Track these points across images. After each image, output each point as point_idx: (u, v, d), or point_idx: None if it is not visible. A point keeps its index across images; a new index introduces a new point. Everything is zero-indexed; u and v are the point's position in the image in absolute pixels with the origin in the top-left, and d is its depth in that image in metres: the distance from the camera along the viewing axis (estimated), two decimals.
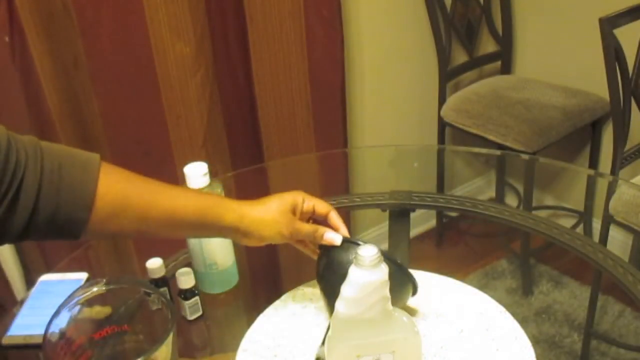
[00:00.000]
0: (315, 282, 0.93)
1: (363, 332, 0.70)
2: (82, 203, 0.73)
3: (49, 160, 0.72)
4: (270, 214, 0.84)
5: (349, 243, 0.85)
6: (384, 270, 0.69)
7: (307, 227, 0.86)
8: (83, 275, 1.04)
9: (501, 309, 0.93)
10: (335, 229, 0.88)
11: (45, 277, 1.05)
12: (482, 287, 0.97)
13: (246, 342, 0.90)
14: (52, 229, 0.72)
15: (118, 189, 0.76)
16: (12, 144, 0.70)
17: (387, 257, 0.71)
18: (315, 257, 0.90)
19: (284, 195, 0.86)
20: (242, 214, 0.83)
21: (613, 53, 1.54)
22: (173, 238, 1.05)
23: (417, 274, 0.89)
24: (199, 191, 0.94)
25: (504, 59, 2.24)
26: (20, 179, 0.69)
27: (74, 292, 0.76)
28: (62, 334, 0.76)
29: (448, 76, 2.12)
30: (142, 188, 0.79)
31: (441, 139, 2.16)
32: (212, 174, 0.99)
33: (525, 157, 1.87)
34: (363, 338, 0.69)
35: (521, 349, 0.86)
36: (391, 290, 0.69)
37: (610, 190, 1.57)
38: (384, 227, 1.20)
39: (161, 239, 0.93)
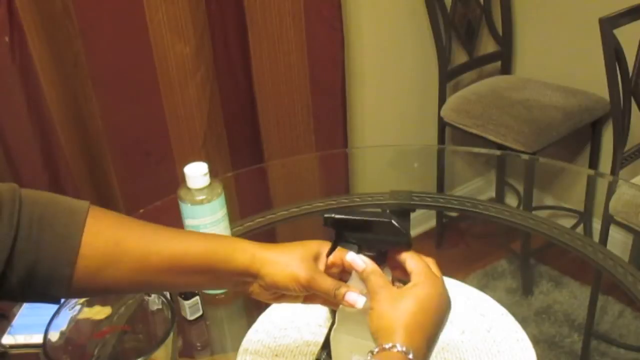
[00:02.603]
0: None
1: (367, 327, 0.69)
2: (65, 257, 0.63)
3: (28, 211, 0.62)
4: (287, 256, 0.71)
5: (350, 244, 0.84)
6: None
7: (329, 282, 0.70)
8: None
9: (502, 310, 0.93)
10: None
11: None
12: (482, 287, 0.97)
13: (247, 342, 0.90)
14: (28, 290, 0.63)
15: (108, 235, 0.66)
16: None
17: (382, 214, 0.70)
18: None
19: (306, 242, 0.73)
20: (254, 253, 0.71)
21: (613, 53, 1.54)
22: (173, 290, 0.92)
23: None
24: (204, 233, 0.82)
25: (504, 59, 2.24)
26: None
27: None
28: (62, 334, 0.76)
29: (448, 76, 2.12)
30: (137, 232, 0.68)
31: (441, 139, 2.16)
32: (212, 174, 0.99)
33: (525, 157, 1.87)
34: (367, 336, 0.69)
35: (522, 351, 0.86)
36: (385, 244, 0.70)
37: (610, 190, 1.57)
38: None
39: (157, 291, 0.85)
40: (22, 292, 0.63)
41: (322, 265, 0.72)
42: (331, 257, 0.72)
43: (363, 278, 0.69)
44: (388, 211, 0.71)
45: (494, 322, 0.91)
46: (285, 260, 0.70)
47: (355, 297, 0.69)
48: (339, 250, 0.72)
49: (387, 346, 0.62)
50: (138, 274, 0.67)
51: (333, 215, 0.70)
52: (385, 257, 0.70)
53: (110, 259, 0.65)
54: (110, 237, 0.66)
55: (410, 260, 0.69)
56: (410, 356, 0.61)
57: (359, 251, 0.71)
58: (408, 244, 0.70)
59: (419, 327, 0.65)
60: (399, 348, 0.62)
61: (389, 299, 0.66)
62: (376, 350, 0.62)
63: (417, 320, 0.65)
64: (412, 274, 0.68)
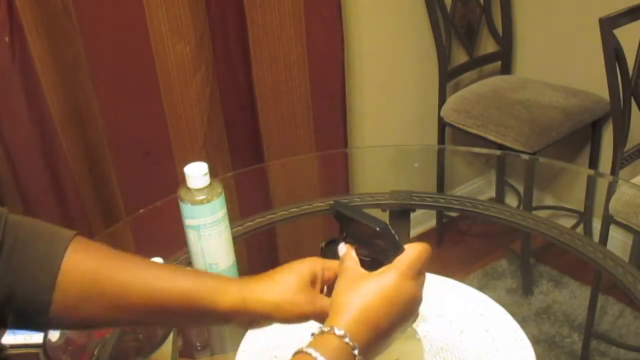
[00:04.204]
0: None
1: None
2: (44, 283, 0.61)
3: (12, 234, 0.61)
4: (285, 295, 0.66)
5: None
6: None
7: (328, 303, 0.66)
8: None
9: (501, 309, 0.93)
10: None
11: None
12: (482, 287, 0.97)
13: (246, 343, 0.90)
14: (10, 314, 0.62)
15: (86, 267, 0.63)
16: None
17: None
18: None
19: (297, 266, 0.69)
20: (244, 297, 0.66)
21: (613, 53, 1.54)
22: (154, 326, 0.87)
23: None
24: (192, 271, 0.75)
25: (504, 59, 2.24)
26: None
27: None
28: (62, 334, 0.76)
29: (448, 76, 2.12)
30: (116, 267, 0.65)
31: (441, 139, 2.16)
32: (212, 174, 0.99)
33: (525, 157, 1.87)
34: None
35: (521, 350, 0.86)
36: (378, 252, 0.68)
37: (610, 190, 1.57)
38: None
39: (138, 327, 0.84)
40: (3, 317, 0.61)
41: (318, 285, 0.69)
42: (325, 276, 0.70)
43: (339, 262, 0.68)
44: (388, 222, 0.70)
45: (493, 321, 0.91)
46: (286, 299, 0.66)
47: None
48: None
49: (325, 329, 0.59)
50: (115, 311, 0.65)
51: (337, 207, 0.70)
52: (379, 266, 0.67)
53: (88, 293, 0.63)
54: (88, 270, 0.64)
55: (410, 247, 0.66)
56: (347, 340, 0.58)
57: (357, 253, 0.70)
58: (395, 257, 0.66)
59: (367, 313, 0.60)
60: (336, 332, 0.58)
61: (350, 279, 0.64)
62: (316, 332, 0.60)
63: (367, 307, 0.61)
64: (397, 258, 0.65)
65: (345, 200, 1.27)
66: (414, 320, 0.67)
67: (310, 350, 0.57)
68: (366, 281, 0.63)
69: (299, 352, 0.58)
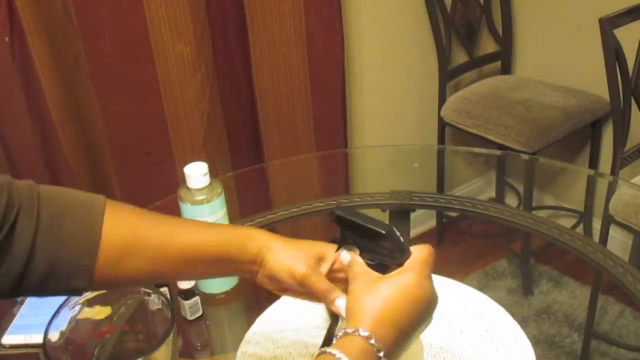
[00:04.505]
0: None
1: None
2: (87, 249, 0.64)
3: (47, 206, 0.63)
4: (291, 250, 0.70)
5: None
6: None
7: (324, 284, 0.69)
8: None
9: (501, 309, 0.93)
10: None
11: None
12: (482, 287, 0.97)
13: (245, 343, 0.90)
14: (50, 283, 0.63)
15: (128, 226, 0.67)
16: (1, 185, 0.61)
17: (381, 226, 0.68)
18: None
19: (318, 242, 0.73)
20: (263, 242, 0.71)
21: (613, 53, 1.54)
22: (189, 278, 0.95)
23: None
24: (220, 224, 0.81)
25: (504, 59, 2.24)
26: (11, 224, 0.60)
27: None
28: (62, 334, 0.76)
29: (448, 76, 2.12)
30: (154, 223, 0.70)
31: (441, 139, 2.16)
32: (212, 174, 0.99)
33: (525, 157, 1.87)
34: None
35: (521, 349, 0.86)
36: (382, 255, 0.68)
37: (610, 190, 1.57)
38: None
39: (174, 281, 0.88)
40: (45, 285, 0.63)
41: (325, 267, 0.71)
42: (337, 262, 0.71)
43: (347, 270, 0.68)
44: (391, 224, 0.69)
45: (493, 321, 0.91)
46: (288, 253, 0.70)
47: (342, 304, 0.67)
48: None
49: (349, 331, 0.59)
50: (156, 264, 0.68)
51: (338, 212, 0.69)
52: (386, 269, 0.67)
53: (130, 250, 0.66)
54: (128, 228, 0.67)
55: (416, 250, 0.67)
56: (373, 341, 0.58)
57: (361, 256, 0.69)
58: (402, 259, 0.67)
59: (391, 314, 0.61)
60: (361, 333, 0.58)
61: (366, 282, 0.64)
62: (340, 334, 0.59)
63: (389, 307, 0.61)
64: (407, 261, 0.66)
65: (345, 204, 1.27)
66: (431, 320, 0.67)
67: (335, 351, 0.57)
68: (383, 283, 0.63)
69: (322, 353, 0.58)
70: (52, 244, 0.62)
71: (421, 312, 0.63)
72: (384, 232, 0.67)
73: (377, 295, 0.62)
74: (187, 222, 0.74)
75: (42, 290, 0.64)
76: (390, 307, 0.61)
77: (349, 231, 0.70)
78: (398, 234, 0.67)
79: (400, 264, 0.66)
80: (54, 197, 0.65)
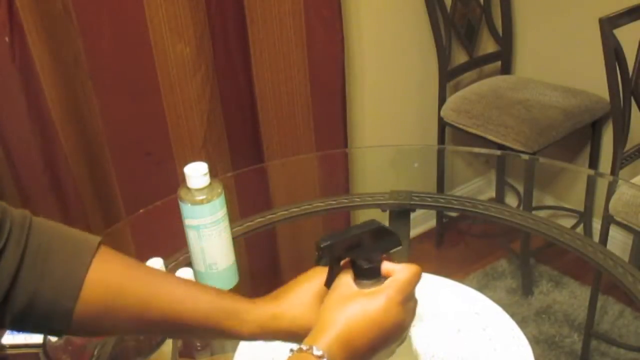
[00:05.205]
0: None
1: None
2: (67, 291, 0.61)
3: (37, 238, 0.61)
4: (304, 300, 0.68)
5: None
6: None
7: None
8: None
9: (498, 308, 0.93)
10: None
11: None
12: (482, 287, 0.97)
13: (244, 344, 0.90)
14: (31, 319, 0.61)
15: (112, 279, 0.64)
16: None
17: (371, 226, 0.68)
18: None
19: (309, 279, 0.70)
20: (262, 324, 0.68)
21: (613, 53, 1.54)
22: (175, 338, 0.91)
23: None
24: (214, 291, 0.74)
25: (504, 59, 2.24)
26: None
27: None
28: None
29: (448, 76, 2.12)
30: (140, 281, 0.66)
31: (441, 139, 2.16)
32: (212, 174, 0.99)
33: (525, 157, 1.87)
34: None
35: (519, 348, 0.86)
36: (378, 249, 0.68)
37: (610, 190, 1.57)
38: None
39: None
40: (24, 320, 0.61)
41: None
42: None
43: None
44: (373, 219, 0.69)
45: (490, 320, 0.91)
46: (307, 303, 0.67)
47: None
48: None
49: (304, 347, 0.59)
50: (136, 324, 0.66)
51: (329, 242, 0.65)
52: (379, 270, 0.67)
53: (111, 306, 0.64)
54: (113, 283, 0.64)
55: (401, 271, 0.65)
56: None
57: (353, 265, 0.67)
58: (398, 242, 0.68)
59: (349, 336, 0.61)
60: (314, 352, 0.58)
61: (341, 297, 0.64)
62: (296, 348, 0.59)
63: (349, 330, 0.61)
64: (387, 281, 0.65)
65: (345, 204, 1.27)
66: (400, 344, 0.66)
67: None
68: (354, 302, 0.63)
69: None
70: (34, 277, 0.60)
71: (382, 337, 0.62)
72: (373, 228, 0.66)
73: (343, 313, 0.62)
74: (178, 284, 0.68)
75: (22, 324, 0.63)
76: (350, 330, 0.61)
77: (341, 253, 0.67)
78: (386, 225, 0.67)
79: (395, 243, 0.67)
80: (46, 230, 0.63)
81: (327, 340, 0.59)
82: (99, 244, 0.65)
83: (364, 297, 0.63)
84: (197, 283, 0.81)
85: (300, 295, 0.68)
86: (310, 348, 0.58)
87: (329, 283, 0.68)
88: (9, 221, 0.60)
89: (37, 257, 0.60)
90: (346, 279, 0.66)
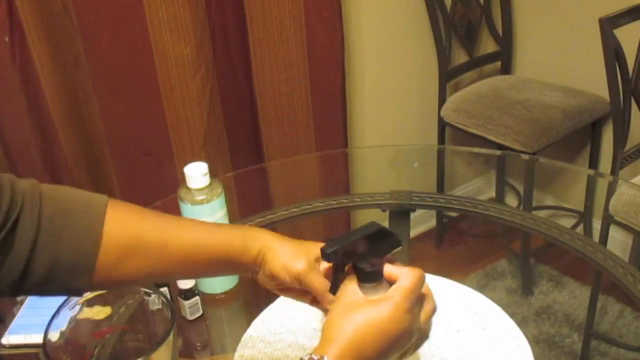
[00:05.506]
0: None
1: None
2: (88, 247, 0.63)
3: (49, 206, 0.63)
4: (290, 248, 0.70)
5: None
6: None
7: (320, 282, 0.69)
8: None
9: (497, 308, 0.93)
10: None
11: None
12: (482, 288, 0.97)
13: (242, 346, 0.90)
14: (51, 283, 0.63)
15: (129, 226, 0.67)
16: (4, 183, 0.61)
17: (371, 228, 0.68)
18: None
19: (318, 243, 0.71)
20: (264, 242, 0.71)
21: (613, 53, 1.54)
22: (189, 278, 0.95)
23: None
24: (221, 224, 0.79)
25: (504, 59, 2.24)
26: (13, 222, 0.60)
27: None
28: (62, 334, 0.76)
29: (448, 76, 2.12)
30: (156, 223, 0.69)
31: (441, 139, 2.16)
32: (212, 174, 0.99)
33: (525, 157, 1.87)
34: None
35: (518, 347, 0.86)
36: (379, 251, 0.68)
37: (610, 190, 1.57)
38: None
39: (174, 280, 0.90)
40: (46, 285, 0.63)
41: (323, 266, 0.70)
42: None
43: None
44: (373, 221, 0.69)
45: (489, 320, 0.91)
46: (287, 251, 0.70)
47: None
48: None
49: (315, 357, 0.59)
50: (157, 264, 0.68)
51: (335, 247, 0.66)
52: (381, 272, 0.67)
53: (130, 250, 0.66)
54: (129, 228, 0.67)
55: (404, 276, 0.65)
56: None
57: (355, 269, 0.67)
58: (398, 243, 0.68)
59: (358, 346, 0.61)
60: None
61: (345, 306, 0.64)
62: (306, 358, 0.60)
63: (358, 339, 0.61)
64: (391, 288, 0.65)
65: (345, 204, 1.27)
66: (414, 350, 0.67)
67: None
68: (360, 311, 0.63)
69: None
70: (53, 244, 0.62)
71: (388, 347, 0.63)
72: (373, 230, 0.66)
73: (350, 322, 0.62)
74: (189, 221, 0.74)
75: (43, 289, 0.64)
76: (358, 339, 0.61)
77: (345, 258, 0.67)
78: (385, 226, 0.67)
79: (395, 244, 0.67)
80: (56, 196, 0.65)
81: (336, 350, 0.60)
82: (108, 199, 0.67)
83: (371, 306, 0.63)
84: (208, 222, 0.82)
85: (295, 248, 0.70)
86: (322, 358, 0.59)
87: (334, 289, 0.68)
88: (20, 193, 0.62)
89: (52, 225, 0.62)
90: (352, 287, 0.66)
